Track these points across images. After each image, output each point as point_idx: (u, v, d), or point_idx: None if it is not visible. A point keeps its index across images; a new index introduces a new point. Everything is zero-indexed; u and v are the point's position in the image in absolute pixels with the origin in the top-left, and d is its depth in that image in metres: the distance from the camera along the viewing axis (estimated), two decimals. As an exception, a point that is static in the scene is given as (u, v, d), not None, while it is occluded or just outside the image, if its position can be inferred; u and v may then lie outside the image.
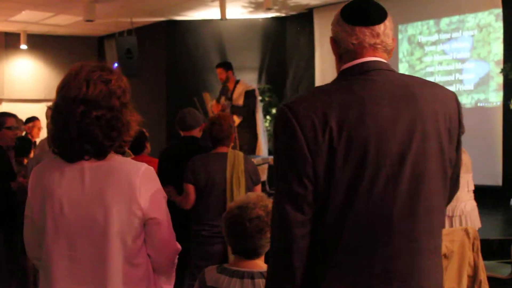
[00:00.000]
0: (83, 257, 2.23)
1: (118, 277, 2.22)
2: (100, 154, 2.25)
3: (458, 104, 2.06)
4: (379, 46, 2.02)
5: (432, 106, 1.95)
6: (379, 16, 2.03)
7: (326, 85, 2.06)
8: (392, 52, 2.11)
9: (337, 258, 1.89)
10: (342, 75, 2.03)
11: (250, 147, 8.84)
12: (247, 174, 4.64)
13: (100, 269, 2.22)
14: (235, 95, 8.86)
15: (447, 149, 1.98)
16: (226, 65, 9.04)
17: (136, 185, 2.22)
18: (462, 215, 5.68)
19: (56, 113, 2.27)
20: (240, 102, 8.74)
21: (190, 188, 4.61)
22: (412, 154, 1.89)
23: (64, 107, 2.23)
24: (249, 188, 4.63)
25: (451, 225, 5.60)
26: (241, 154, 4.75)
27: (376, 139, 1.86)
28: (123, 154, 2.47)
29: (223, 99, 9.02)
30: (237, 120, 8.87)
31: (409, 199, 1.89)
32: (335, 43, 2.07)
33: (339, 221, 1.87)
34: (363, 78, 1.96)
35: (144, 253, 2.33)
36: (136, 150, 5.73)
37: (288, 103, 1.95)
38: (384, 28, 2.03)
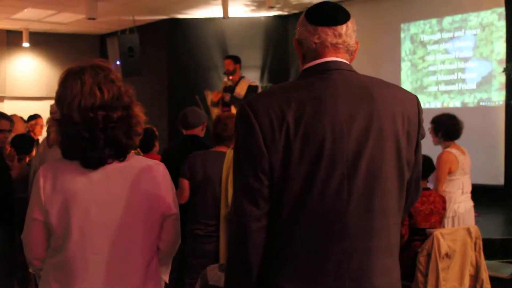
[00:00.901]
0: (107, 260, 2.23)
1: (140, 277, 2.26)
2: (122, 155, 2.26)
3: (419, 107, 2.07)
4: (340, 46, 2.04)
5: (390, 107, 1.97)
6: (342, 17, 2.05)
7: (287, 82, 2.12)
8: (355, 53, 2.13)
9: (291, 254, 1.92)
10: (304, 73, 2.07)
11: None
12: None
13: (124, 271, 2.25)
14: (237, 88, 8.89)
15: (405, 151, 1.99)
16: (236, 59, 9.07)
17: (160, 183, 2.31)
18: (455, 217, 5.66)
19: (72, 125, 2.21)
20: (242, 94, 8.78)
21: (185, 184, 4.61)
22: (367, 153, 1.91)
23: (83, 118, 2.20)
24: None
25: (443, 226, 5.58)
26: None
27: (332, 136, 1.88)
28: (135, 149, 2.49)
29: (225, 81, 9.06)
30: (234, 110, 8.90)
31: (364, 198, 1.91)
32: (298, 43, 2.11)
33: (293, 217, 1.90)
34: (323, 77, 1.99)
35: (155, 250, 2.37)
36: (146, 148, 5.73)
37: (249, 99, 1.98)
38: (346, 29, 2.05)
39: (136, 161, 2.32)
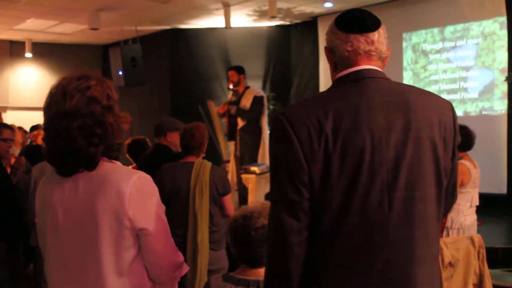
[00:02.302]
0: (76, 267, 2.23)
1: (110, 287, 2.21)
2: (89, 164, 2.23)
3: (453, 113, 2.07)
4: (373, 53, 2.04)
5: (426, 114, 1.96)
6: (373, 24, 2.05)
7: (322, 92, 2.08)
8: (387, 60, 2.13)
9: (332, 266, 1.90)
10: (337, 82, 2.05)
11: (253, 153, 8.86)
12: (212, 184, 4.59)
13: (93, 279, 2.22)
14: (243, 100, 8.86)
15: (442, 158, 1.98)
16: (239, 69, 9.05)
17: (125, 195, 2.18)
18: (461, 229, 5.66)
19: (45, 132, 2.28)
20: (248, 106, 8.76)
21: None
22: (406, 162, 1.89)
23: (50, 126, 2.24)
24: (214, 199, 4.61)
25: (447, 236, 5.59)
26: (208, 164, 4.69)
27: (371, 146, 1.86)
28: (117, 158, 2.46)
29: (230, 97, 9.04)
30: (240, 123, 8.89)
31: (404, 207, 1.89)
32: (330, 51, 2.09)
33: (334, 229, 1.88)
34: (357, 85, 1.97)
35: (138, 264, 2.29)
36: (138, 158, 5.76)
37: (284, 111, 1.96)
38: (378, 36, 2.04)
39: (108, 170, 2.26)
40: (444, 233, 5.60)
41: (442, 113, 2.01)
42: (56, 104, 2.22)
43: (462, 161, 5.67)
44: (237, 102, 8.90)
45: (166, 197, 4.54)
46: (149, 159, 5.22)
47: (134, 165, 5.94)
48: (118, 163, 2.45)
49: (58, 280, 2.29)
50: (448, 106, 2.07)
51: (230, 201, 4.84)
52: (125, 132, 2.36)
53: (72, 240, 2.23)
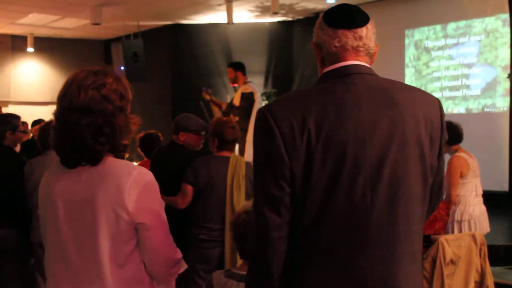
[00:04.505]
0: (75, 259, 2.24)
1: (107, 279, 2.22)
2: (93, 160, 2.25)
3: (441, 110, 2.04)
4: (361, 49, 2.02)
5: (412, 111, 1.94)
6: (362, 19, 2.03)
7: (307, 87, 2.06)
8: (375, 55, 2.10)
9: (314, 262, 1.89)
10: (324, 78, 2.03)
11: (240, 150, 8.86)
12: (247, 179, 4.62)
13: (91, 271, 2.23)
14: (236, 96, 8.91)
15: (428, 155, 1.96)
16: (235, 65, 9.04)
17: (125, 189, 2.19)
18: (471, 220, 5.70)
19: (56, 123, 2.30)
20: (237, 103, 8.77)
21: (189, 189, 4.60)
22: (391, 159, 1.87)
23: (60, 117, 2.26)
24: (248, 193, 4.61)
25: (460, 230, 5.61)
26: (243, 159, 4.75)
27: (354, 142, 1.85)
28: (122, 157, 2.46)
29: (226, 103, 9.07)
30: (233, 119, 8.89)
31: (388, 204, 1.88)
32: (317, 47, 2.07)
33: (316, 225, 1.87)
34: (343, 81, 1.95)
35: (135, 257, 2.30)
36: (149, 153, 5.74)
37: (267, 105, 1.95)
38: (366, 31, 2.02)
39: (110, 164, 2.27)
40: (456, 227, 5.63)
41: (429, 110, 1.99)
42: (70, 96, 2.23)
43: (457, 153, 5.73)
44: (232, 99, 8.93)
45: (201, 190, 4.55)
46: (164, 157, 5.16)
47: (146, 159, 5.92)
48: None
49: (57, 271, 2.30)
50: (436, 103, 2.04)
51: None
52: (134, 133, 2.36)
53: (71, 232, 2.25)
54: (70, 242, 2.25)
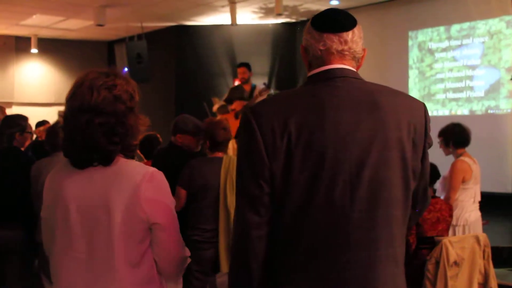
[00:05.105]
0: (88, 259, 2.25)
1: (121, 279, 2.24)
2: (106, 160, 2.27)
3: (426, 115, 2.05)
4: (346, 53, 2.03)
5: (395, 115, 1.95)
6: (348, 23, 2.04)
7: (291, 89, 2.11)
8: (362, 60, 2.12)
9: (293, 263, 1.91)
10: (308, 80, 2.06)
11: None
12: None
13: (106, 272, 2.24)
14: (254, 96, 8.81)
15: (410, 159, 1.97)
16: (249, 66, 9.03)
17: (140, 188, 2.23)
18: (466, 225, 5.69)
19: (65, 123, 2.31)
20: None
21: (182, 193, 4.63)
22: (371, 162, 1.89)
23: (70, 117, 2.27)
24: None
25: (454, 234, 5.60)
26: (236, 159, 4.74)
27: (334, 144, 1.87)
28: (133, 158, 2.48)
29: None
30: None
31: (368, 207, 1.89)
32: (305, 51, 2.10)
33: (295, 226, 1.89)
34: (327, 84, 1.97)
35: (149, 256, 2.33)
36: (149, 154, 5.75)
37: (252, 106, 1.98)
38: (352, 35, 2.03)
39: (123, 165, 2.30)
40: (450, 230, 5.61)
41: (412, 114, 2.00)
42: (81, 96, 2.25)
43: (461, 158, 5.71)
44: (248, 99, 8.82)
45: (195, 192, 4.56)
46: (162, 159, 5.19)
47: (145, 161, 5.95)
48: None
49: (67, 272, 2.29)
50: (420, 107, 2.05)
51: None
52: (142, 134, 2.40)
53: (84, 232, 2.25)
54: (82, 243, 2.25)
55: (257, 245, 1.92)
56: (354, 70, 2.05)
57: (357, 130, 1.89)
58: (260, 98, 8.73)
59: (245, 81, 8.95)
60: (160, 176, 2.32)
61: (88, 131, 2.22)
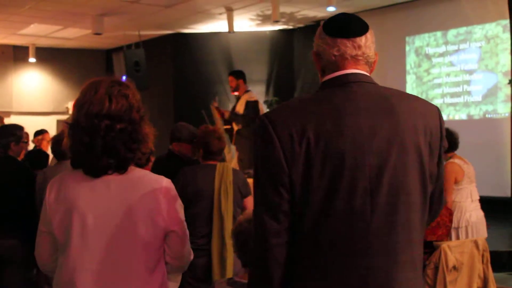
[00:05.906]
0: (107, 267, 2.26)
1: (140, 286, 2.27)
2: (122, 167, 2.29)
3: (440, 118, 2.05)
4: (360, 58, 2.03)
5: (411, 119, 1.95)
6: (361, 28, 2.04)
7: (306, 95, 2.09)
8: (375, 64, 2.12)
9: (313, 269, 1.90)
10: (323, 86, 2.05)
11: (250, 158, 8.85)
12: (235, 186, 4.61)
13: (125, 279, 2.26)
14: (238, 105, 8.91)
15: (427, 163, 1.97)
16: (237, 74, 9.09)
17: (159, 196, 2.29)
18: (468, 226, 5.68)
19: (79, 130, 2.29)
20: (241, 111, 8.77)
21: None
22: (390, 167, 1.88)
23: (88, 124, 2.27)
24: (237, 201, 4.62)
25: (457, 237, 5.60)
26: (229, 166, 4.74)
27: (353, 150, 1.86)
28: (141, 166, 2.50)
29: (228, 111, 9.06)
30: (235, 127, 8.92)
31: (387, 212, 1.88)
32: (317, 56, 2.08)
33: (315, 232, 1.88)
34: (342, 89, 1.97)
35: (162, 261, 2.38)
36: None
37: (267, 113, 1.97)
38: (365, 40, 2.03)
39: (139, 174, 2.34)
40: (453, 234, 5.62)
41: (428, 118, 2.00)
42: (99, 102, 2.27)
43: (451, 160, 5.73)
44: (233, 107, 8.94)
45: (189, 199, 4.55)
46: (160, 167, 5.20)
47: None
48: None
49: (84, 280, 2.26)
50: (435, 111, 2.05)
51: (252, 202, 4.85)
52: (152, 143, 2.44)
53: (103, 241, 2.26)
54: (101, 251, 2.25)
55: (277, 252, 1.90)
56: (368, 74, 2.05)
57: (374, 135, 1.89)
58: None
59: (234, 88, 9.01)
60: (171, 184, 2.39)
61: (108, 137, 2.24)
